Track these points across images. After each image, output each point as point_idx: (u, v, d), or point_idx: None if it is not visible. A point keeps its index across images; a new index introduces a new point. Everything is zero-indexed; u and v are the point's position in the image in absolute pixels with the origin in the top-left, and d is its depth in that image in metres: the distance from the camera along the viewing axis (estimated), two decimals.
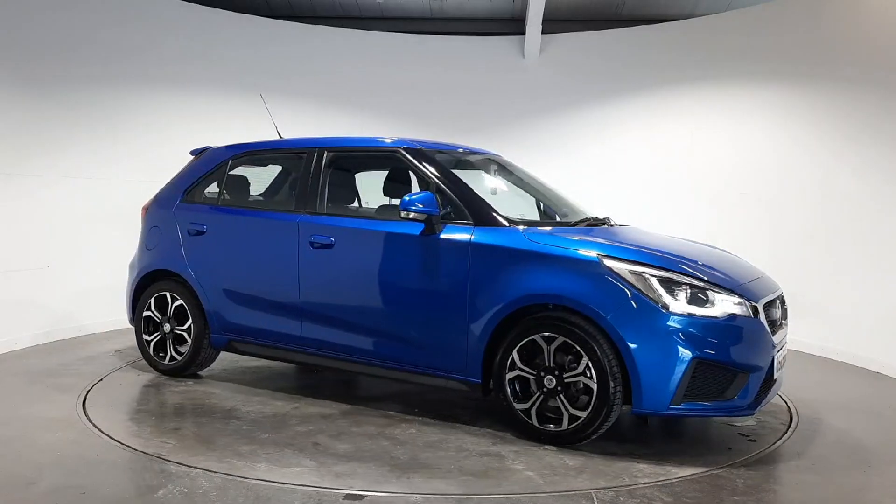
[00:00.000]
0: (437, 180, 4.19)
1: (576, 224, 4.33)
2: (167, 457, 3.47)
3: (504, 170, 5.00)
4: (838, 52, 6.50)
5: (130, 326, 5.28)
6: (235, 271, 4.71)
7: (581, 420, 3.61)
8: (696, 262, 3.79)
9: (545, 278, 3.70)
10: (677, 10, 8.60)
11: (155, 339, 5.03)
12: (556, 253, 3.73)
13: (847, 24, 6.50)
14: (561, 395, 3.66)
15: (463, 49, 8.64)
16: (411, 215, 3.96)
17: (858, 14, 6.41)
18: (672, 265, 3.65)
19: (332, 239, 4.31)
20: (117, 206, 6.69)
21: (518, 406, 3.77)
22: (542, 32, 8.18)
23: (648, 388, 3.47)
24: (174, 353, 4.95)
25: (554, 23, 8.42)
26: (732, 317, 3.55)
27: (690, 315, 3.50)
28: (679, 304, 3.52)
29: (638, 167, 7.99)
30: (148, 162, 6.99)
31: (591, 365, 3.56)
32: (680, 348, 3.45)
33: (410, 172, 4.49)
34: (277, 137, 5.32)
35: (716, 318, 3.53)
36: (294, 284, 4.43)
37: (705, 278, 3.64)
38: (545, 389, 3.69)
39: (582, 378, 3.60)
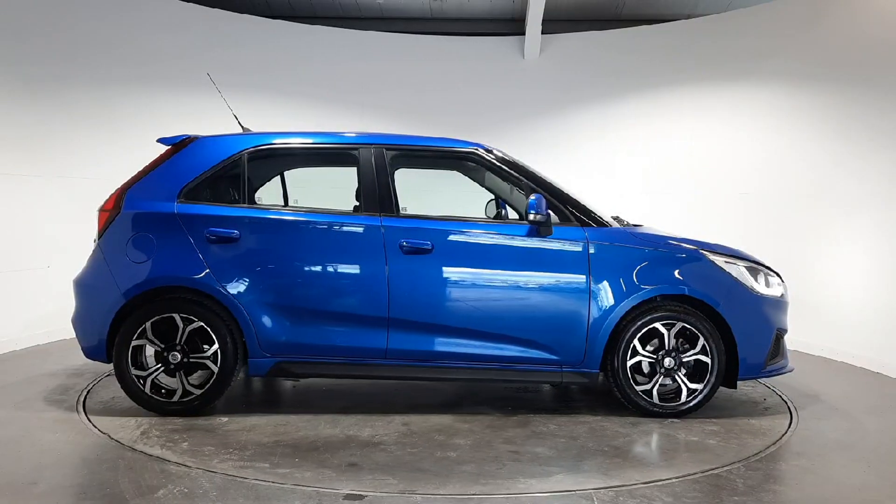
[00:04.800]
0: (529, 182, 4.34)
1: (628, 225, 4.58)
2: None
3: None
4: (838, 52, 6.51)
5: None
6: (291, 283, 4.19)
7: (697, 392, 4.24)
8: (745, 253, 4.47)
9: (667, 273, 4.21)
10: (677, 10, 8.61)
11: (153, 375, 4.16)
12: (671, 250, 4.27)
13: (847, 24, 6.50)
14: (680, 373, 4.23)
15: (463, 49, 8.64)
16: (536, 218, 4.09)
17: (858, 14, 6.41)
18: (747, 256, 4.40)
19: (429, 243, 4.17)
20: None
21: (640, 388, 4.24)
22: (542, 32, 8.19)
23: (750, 358, 4.24)
24: (189, 388, 4.16)
25: (554, 23, 8.43)
26: (782, 294, 4.44)
27: (768, 296, 4.33)
28: (761, 287, 4.32)
29: (638, 167, 8.00)
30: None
31: (706, 344, 4.19)
32: (767, 323, 4.30)
33: (490, 173, 4.52)
34: (239, 127, 4.85)
35: (777, 296, 4.38)
36: (381, 293, 4.16)
37: (765, 264, 4.43)
38: (663, 370, 4.21)
39: (697, 357, 4.22)
